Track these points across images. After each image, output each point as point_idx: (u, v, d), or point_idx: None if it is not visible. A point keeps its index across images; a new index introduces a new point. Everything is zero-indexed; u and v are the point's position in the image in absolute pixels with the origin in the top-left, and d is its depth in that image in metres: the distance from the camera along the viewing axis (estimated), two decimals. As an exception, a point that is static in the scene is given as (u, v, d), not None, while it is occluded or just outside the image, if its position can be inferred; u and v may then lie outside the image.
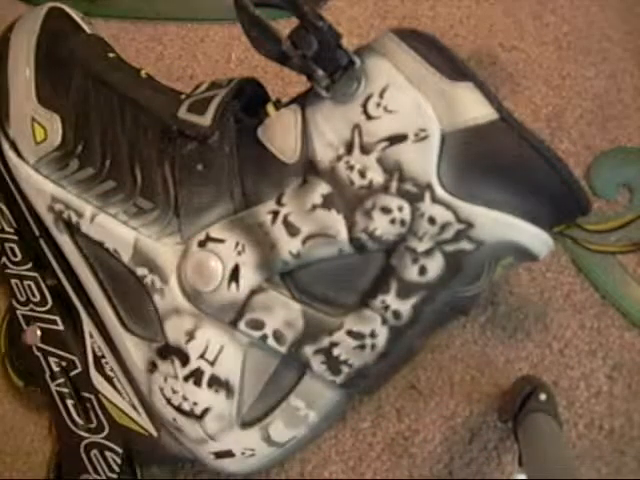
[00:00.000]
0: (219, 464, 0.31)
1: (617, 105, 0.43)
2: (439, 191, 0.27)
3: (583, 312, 0.39)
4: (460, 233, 0.28)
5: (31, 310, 0.34)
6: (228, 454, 0.31)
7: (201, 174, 0.30)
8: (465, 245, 0.28)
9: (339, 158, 0.28)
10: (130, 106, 0.32)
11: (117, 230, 0.30)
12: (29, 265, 0.34)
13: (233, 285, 0.29)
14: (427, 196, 0.27)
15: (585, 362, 0.38)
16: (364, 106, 0.28)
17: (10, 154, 0.32)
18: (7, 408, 0.37)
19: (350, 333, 0.29)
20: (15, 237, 0.34)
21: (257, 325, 0.29)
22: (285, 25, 0.28)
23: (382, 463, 0.36)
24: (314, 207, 0.28)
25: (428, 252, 0.28)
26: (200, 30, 0.46)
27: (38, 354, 0.33)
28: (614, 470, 0.36)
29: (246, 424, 0.30)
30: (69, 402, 0.33)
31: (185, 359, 0.30)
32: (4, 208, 0.34)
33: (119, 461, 0.33)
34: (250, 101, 0.33)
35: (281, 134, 0.30)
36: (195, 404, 0.30)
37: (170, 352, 0.30)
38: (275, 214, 0.29)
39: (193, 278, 0.29)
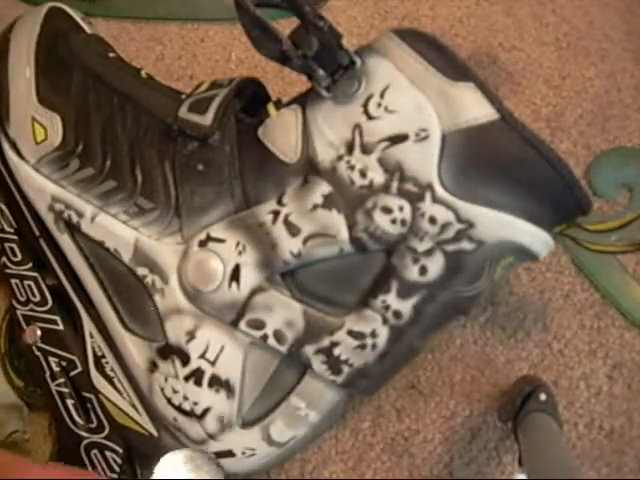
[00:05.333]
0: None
1: (617, 105, 0.43)
2: (440, 191, 0.27)
3: (583, 312, 0.39)
4: (461, 233, 0.28)
5: (31, 310, 0.34)
6: (229, 454, 0.31)
7: (202, 174, 0.30)
8: (466, 245, 0.28)
9: (340, 158, 0.28)
10: (130, 106, 0.32)
11: (117, 230, 0.30)
12: (29, 265, 0.34)
13: (234, 285, 0.29)
14: (428, 196, 0.27)
15: (585, 362, 0.38)
16: (365, 106, 0.28)
17: (10, 154, 0.32)
18: (7, 408, 0.37)
19: (351, 333, 0.29)
20: (15, 237, 0.34)
21: (258, 325, 0.29)
22: (285, 25, 0.28)
23: (382, 463, 0.36)
24: (315, 207, 0.28)
25: (429, 252, 0.28)
26: (200, 30, 0.46)
27: (38, 354, 0.33)
28: (614, 470, 0.36)
29: (247, 424, 0.30)
30: (69, 402, 0.33)
31: (186, 359, 0.30)
32: (4, 208, 0.34)
33: (119, 461, 0.33)
34: (251, 101, 0.33)
35: (282, 134, 0.30)
36: (196, 404, 0.30)
37: (171, 352, 0.30)
38: (276, 214, 0.29)
39: (194, 278, 0.29)
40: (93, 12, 0.44)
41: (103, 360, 0.32)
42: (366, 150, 0.28)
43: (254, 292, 0.29)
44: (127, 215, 0.30)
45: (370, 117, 0.28)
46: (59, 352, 0.33)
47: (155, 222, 0.30)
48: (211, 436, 0.30)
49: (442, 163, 0.27)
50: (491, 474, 0.36)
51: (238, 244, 0.29)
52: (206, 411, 0.30)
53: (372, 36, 0.29)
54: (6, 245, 0.34)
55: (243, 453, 0.31)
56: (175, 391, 0.30)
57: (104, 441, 0.32)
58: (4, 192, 0.33)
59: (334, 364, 0.29)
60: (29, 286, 0.34)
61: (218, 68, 0.45)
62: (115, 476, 0.33)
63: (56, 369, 0.33)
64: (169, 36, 0.46)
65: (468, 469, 0.36)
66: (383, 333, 0.29)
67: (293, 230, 0.28)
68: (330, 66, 0.28)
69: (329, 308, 0.29)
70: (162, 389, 0.30)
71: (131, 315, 0.31)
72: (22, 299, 0.34)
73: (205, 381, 0.30)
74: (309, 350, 0.29)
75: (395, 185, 0.28)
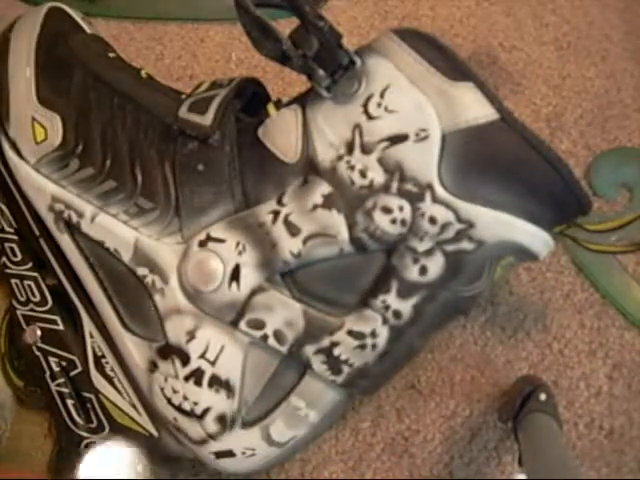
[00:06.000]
0: (219, 464, 0.31)
1: (617, 105, 0.43)
2: (440, 191, 0.27)
3: (583, 312, 0.39)
4: (461, 233, 0.28)
5: (31, 310, 0.34)
6: (229, 454, 0.31)
7: (202, 174, 0.30)
8: (466, 245, 0.28)
9: (340, 158, 0.28)
10: (130, 106, 0.32)
11: (117, 230, 0.30)
12: (29, 265, 0.34)
13: (234, 285, 0.29)
14: (428, 196, 0.27)
15: (585, 362, 0.38)
16: (365, 106, 0.28)
17: (10, 154, 0.32)
18: (7, 408, 0.37)
19: (351, 333, 0.29)
20: (15, 237, 0.34)
21: (258, 325, 0.29)
22: (285, 25, 0.28)
23: (382, 463, 0.36)
24: (315, 207, 0.28)
25: (429, 252, 0.28)
26: (200, 30, 0.46)
27: (38, 354, 0.33)
28: (614, 470, 0.36)
29: (247, 424, 0.30)
30: (69, 402, 0.33)
31: (186, 359, 0.30)
32: (4, 208, 0.34)
33: (119, 461, 0.33)
34: (251, 101, 0.33)
35: (282, 134, 0.30)
36: (196, 404, 0.30)
37: (171, 352, 0.30)
38: (276, 214, 0.29)
39: (194, 278, 0.29)
40: (93, 12, 0.44)
41: (103, 360, 0.32)
42: (366, 150, 0.28)
43: (254, 292, 0.29)
44: (127, 215, 0.30)
45: (370, 117, 0.28)
46: (59, 352, 0.33)
47: (155, 222, 0.30)
48: (211, 436, 0.30)
49: (442, 163, 0.27)
50: (491, 474, 0.36)
51: (238, 244, 0.29)
52: (206, 411, 0.30)
53: (372, 36, 0.29)
54: (6, 245, 0.34)
55: (243, 453, 0.31)
56: (175, 391, 0.30)
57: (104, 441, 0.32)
58: (4, 192, 0.33)
59: (334, 364, 0.29)
60: (29, 286, 0.34)
61: (218, 68, 0.45)
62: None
63: (56, 369, 0.33)
64: (169, 36, 0.46)
65: (468, 469, 0.36)
66: (383, 333, 0.29)
67: (293, 230, 0.28)
68: (330, 66, 0.28)
69: (329, 308, 0.29)
70: (162, 389, 0.30)
71: (131, 315, 0.31)
72: (22, 299, 0.34)
73: (205, 381, 0.30)
74: (309, 350, 0.29)
75: (395, 185, 0.28)
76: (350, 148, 0.28)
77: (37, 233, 0.33)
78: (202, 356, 0.29)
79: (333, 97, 0.29)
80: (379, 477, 0.36)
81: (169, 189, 0.30)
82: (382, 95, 0.28)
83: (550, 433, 0.33)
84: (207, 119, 0.30)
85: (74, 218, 0.31)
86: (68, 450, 0.34)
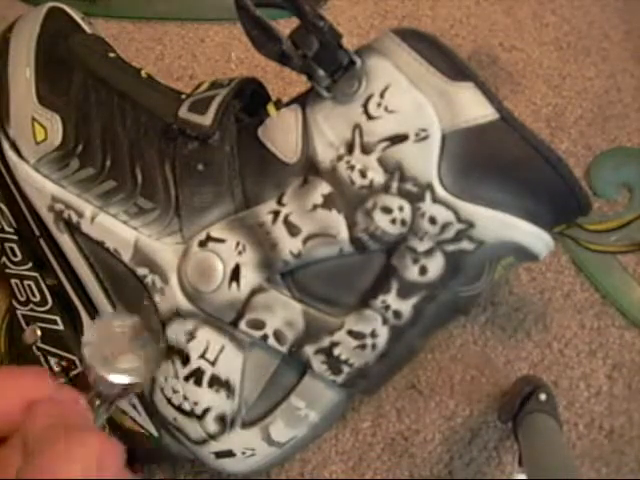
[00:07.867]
0: (219, 464, 0.31)
1: (617, 105, 0.43)
2: (440, 191, 0.27)
3: (583, 312, 0.39)
4: (461, 233, 0.28)
5: (31, 310, 0.34)
6: (229, 454, 0.31)
7: (202, 174, 0.30)
8: (466, 245, 0.28)
9: (340, 158, 0.28)
10: (130, 106, 0.32)
11: (117, 230, 0.30)
12: (29, 265, 0.34)
13: (234, 285, 0.29)
14: (428, 196, 0.27)
15: (585, 362, 0.38)
16: (365, 106, 0.28)
17: (10, 154, 0.32)
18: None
19: (351, 333, 0.29)
20: (15, 237, 0.34)
21: (258, 325, 0.29)
22: (285, 25, 0.28)
23: (382, 463, 0.36)
24: (315, 207, 0.28)
25: (429, 252, 0.28)
26: (200, 30, 0.46)
27: (38, 354, 0.33)
28: (614, 470, 0.36)
29: (247, 424, 0.30)
30: (69, 402, 0.33)
31: (186, 359, 0.30)
32: (4, 208, 0.34)
33: (119, 461, 0.32)
34: (251, 101, 0.33)
35: (282, 134, 0.29)
36: (196, 404, 0.30)
37: (171, 352, 0.30)
38: (276, 214, 0.29)
39: (194, 278, 0.29)
40: (93, 12, 0.44)
41: (103, 360, 0.32)
42: (366, 150, 0.28)
43: (254, 292, 0.29)
44: (127, 215, 0.30)
45: (370, 117, 0.28)
46: (59, 352, 0.33)
47: (155, 222, 0.30)
48: (211, 436, 0.30)
49: (442, 163, 0.27)
50: (491, 474, 0.36)
51: (238, 244, 0.29)
52: (206, 411, 0.30)
53: (372, 36, 0.29)
54: (6, 245, 0.34)
55: (243, 453, 0.31)
56: (175, 391, 0.30)
57: (104, 441, 0.32)
58: (4, 192, 0.33)
59: (334, 364, 0.29)
60: (29, 286, 0.34)
61: (218, 68, 0.45)
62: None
63: (56, 369, 0.33)
64: (169, 36, 0.46)
65: (468, 469, 0.36)
66: (383, 333, 0.29)
67: (293, 230, 0.28)
68: (330, 66, 0.28)
69: (329, 308, 0.29)
70: (162, 389, 0.30)
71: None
72: (22, 299, 0.34)
73: (205, 381, 0.30)
74: (309, 350, 0.29)
75: (395, 185, 0.28)
76: (350, 148, 0.28)
77: (37, 233, 0.33)
78: (202, 356, 0.29)
79: (333, 97, 0.29)
80: (379, 477, 0.36)
81: (169, 189, 0.30)
82: (382, 95, 0.28)
83: (550, 433, 0.33)
84: (207, 119, 0.30)
85: (74, 218, 0.31)
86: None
